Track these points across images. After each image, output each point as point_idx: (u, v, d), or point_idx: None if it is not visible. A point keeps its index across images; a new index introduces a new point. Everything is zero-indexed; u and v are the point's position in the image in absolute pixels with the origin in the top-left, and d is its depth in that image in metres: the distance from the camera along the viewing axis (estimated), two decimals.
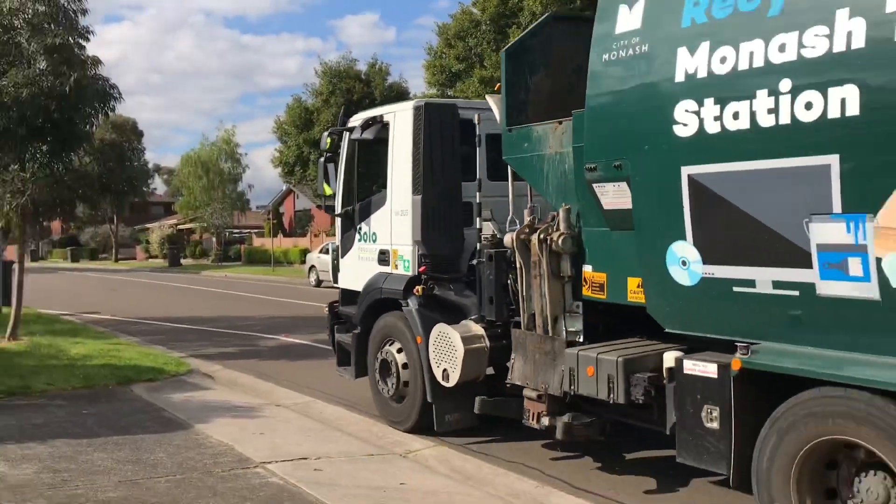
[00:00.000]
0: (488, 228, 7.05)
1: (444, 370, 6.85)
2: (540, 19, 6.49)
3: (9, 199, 11.87)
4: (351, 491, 5.67)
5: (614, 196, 5.27)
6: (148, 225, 70.58)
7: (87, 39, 12.07)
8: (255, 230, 58.21)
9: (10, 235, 19.61)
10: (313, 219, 56.74)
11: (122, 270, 47.73)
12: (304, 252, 41.55)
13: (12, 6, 11.63)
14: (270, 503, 5.33)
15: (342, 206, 8.64)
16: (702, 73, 4.55)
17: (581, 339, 5.83)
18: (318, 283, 29.71)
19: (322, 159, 8.81)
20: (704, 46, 4.54)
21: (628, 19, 5.02)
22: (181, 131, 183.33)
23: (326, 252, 29.82)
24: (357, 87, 36.97)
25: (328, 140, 8.65)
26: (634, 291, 5.30)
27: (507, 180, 6.85)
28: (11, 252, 21.42)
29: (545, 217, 6.25)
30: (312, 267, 30.43)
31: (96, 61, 12.21)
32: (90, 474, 5.89)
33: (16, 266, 15.01)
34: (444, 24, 27.99)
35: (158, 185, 75.86)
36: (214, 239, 54.82)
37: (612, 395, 5.31)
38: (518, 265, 6.24)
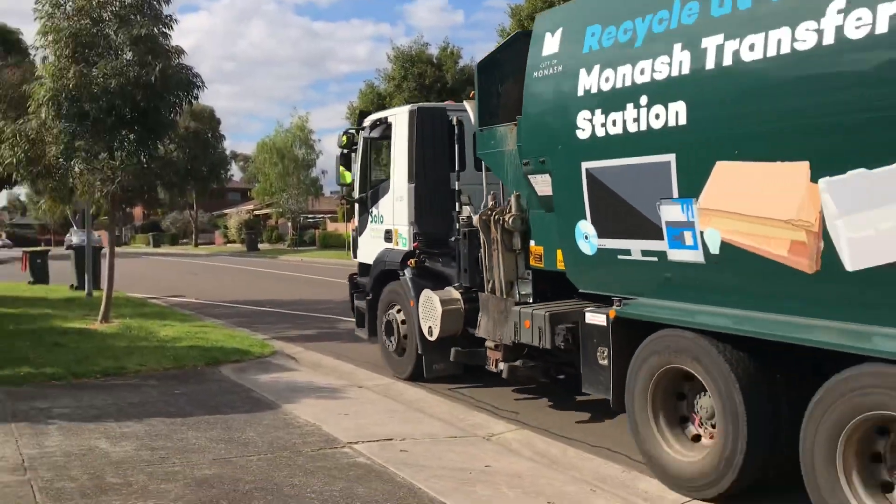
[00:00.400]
0: (466, 211, 8.28)
1: (429, 327, 8.36)
2: (509, 37, 7.68)
3: (99, 187, 12.27)
4: (437, 472, 5.71)
5: (542, 185, 6.59)
6: (226, 211, 72.38)
7: (171, 28, 12.36)
8: (329, 215, 59.06)
9: (95, 221, 20.39)
10: None
11: (202, 255, 49.06)
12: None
13: None
14: (360, 482, 5.41)
15: (358, 193, 10.17)
16: (594, 90, 5.82)
17: (531, 301, 7.21)
18: None
19: (339, 154, 10.43)
20: (596, 69, 5.81)
21: (550, 44, 6.30)
22: (255, 118, 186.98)
23: None
24: (429, 72, 36.94)
25: (344, 138, 10.22)
26: (560, 261, 6.62)
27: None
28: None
29: (504, 202, 7.56)
30: None
31: (179, 51, 12.51)
32: (185, 452, 6.08)
33: (105, 251, 15.60)
34: (516, 6, 27.73)
35: (235, 172, 77.58)
36: (290, 224, 55.82)
37: (541, 342, 6.78)
38: (482, 241, 7.63)
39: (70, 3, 11.94)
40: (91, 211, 16.42)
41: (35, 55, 13.16)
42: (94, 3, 11.88)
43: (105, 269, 13.79)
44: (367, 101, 38.91)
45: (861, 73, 4.22)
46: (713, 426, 5.27)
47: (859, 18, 4.17)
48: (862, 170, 4.21)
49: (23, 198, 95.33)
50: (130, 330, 12.22)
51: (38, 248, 26.24)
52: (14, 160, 12.27)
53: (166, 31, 12.27)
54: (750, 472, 4.99)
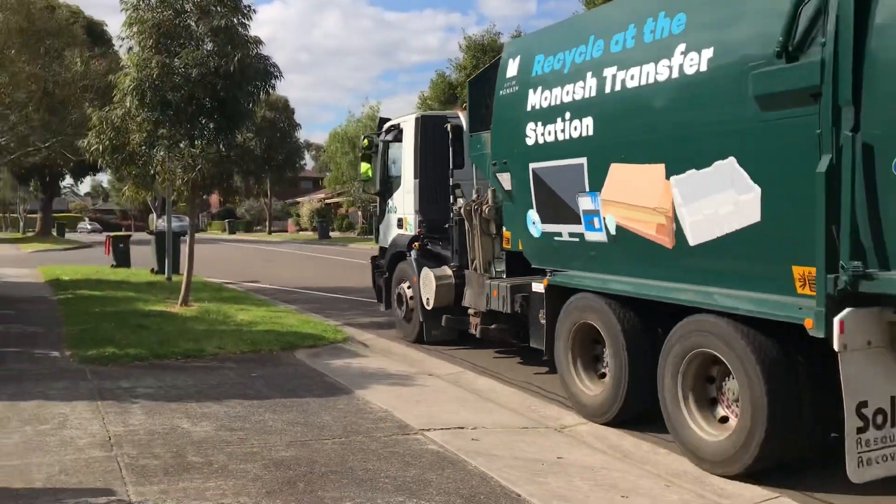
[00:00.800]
0: (459, 203, 9.76)
1: (427, 298, 10.21)
2: (495, 59, 8.67)
3: (180, 174, 12.61)
4: (509, 462, 5.72)
5: (506, 182, 8.14)
6: (298, 199, 73.63)
7: (250, 19, 12.60)
8: None
9: (174, 208, 20.96)
10: None
11: (276, 242, 50.06)
12: None
13: None
14: (432, 469, 5.45)
15: (378, 188, 12.17)
16: (537, 106, 7.40)
17: (504, 276, 8.92)
18: None
19: (361, 154, 13.01)
20: (539, 89, 7.38)
21: (512, 68, 7.92)
22: (327, 108, 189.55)
23: None
24: None
25: (365, 141, 12.73)
26: (520, 243, 8.25)
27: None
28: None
29: (484, 196, 9.20)
30: None
31: (258, 41, 12.73)
32: (263, 434, 6.23)
33: (185, 237, 16.05)
34: None
35: (307, 161, 78.77)
36: (360, 213, 56.43)
37: (504, 308, 8.60)
38: (467, 227, 9.40)
39: None
40: (171, 198, 16.89)
41: (121, 46, 13.56)
42: None
43: (184, 254, 14.18)
44: (439, 90, 39.02)
45: (691, 98, 5.80)
46: (606, 366, 6.99)
47: (692, 59, 5.73)
48: (693, 170, 5.76)
49: (105, 184, 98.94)
50: (209, 314, 12.56)
51: (121, 233, 27.14)
52: (100, 147, 12.68)
53: (245, 21, 12.52)
54: (633, 398, 6.63)
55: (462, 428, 6.55)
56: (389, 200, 11.82)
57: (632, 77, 6.27)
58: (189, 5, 12.29)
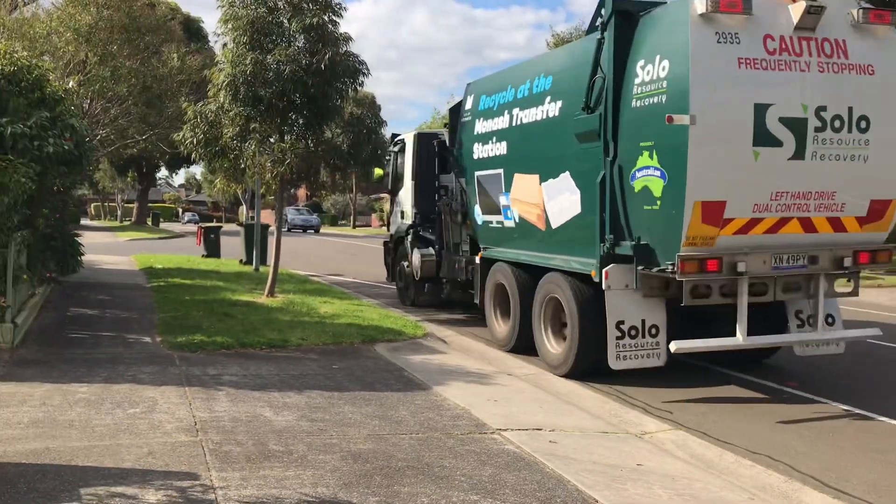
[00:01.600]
0: (442, 199, 12.88)
1: (416, 271, 13.50)
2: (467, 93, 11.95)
3: (269, 168, 12.90)
4: (587, 466, 5.63)
5: (465, 185, 11.56)
6: (382, 194, 74.26)
7: (340, 16, 12.79)
8: None
9: (262, 201, 21.48)
10: None
11: (360, 236, 50.75)
12: None
13: None
14: (509, 470, 5.42)
15: (389, 187, 15.35)
16: (480, 132, 10.86)
17: (468, 255, 11.97)
18: None
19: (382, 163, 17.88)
20: (481, 120, 10.85)
21: (469, 102, 11.44)
22: (413, 105, 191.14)
23: None
24: None
25: (379, 171, 17.96)
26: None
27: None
28: (265, 216, 23.35)
29: (456, 194, 12.26)
30: None
31: (347, 38, 12.91)
32: (342, 425, 6.31)
33: (272, 229, 16.42)
34: None
35: None
36: None
37: (463, 276, 12.10)
38: (444, 218, 12.62)
39: None
40: (261, 190, 17.31)
41: (216, 42, 13.96)
42: None
43: (271, 246, 14.50)
44: None
45: (551, 132, 9.13)
46: (510, 311, 10.21)
47: (552, 107, 9.11)
48: (552, 179, 9.06)
49: (198, 176, 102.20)
50: (293, 305, 12.81)
51: (211, 224, 27.97)
52: (194, 140, 13.08)
53: (336, 19, 12.72)
54: (523, 331, 9.84)
55: (540, 429, 6.49)
56: (397, 197, 14.94)
57: (525, 115, 9.70)
58: (282, 3, 12.55)
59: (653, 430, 6.75)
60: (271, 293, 13.61)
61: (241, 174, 13.91)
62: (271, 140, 12.87)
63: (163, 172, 75.73)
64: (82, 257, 15.49)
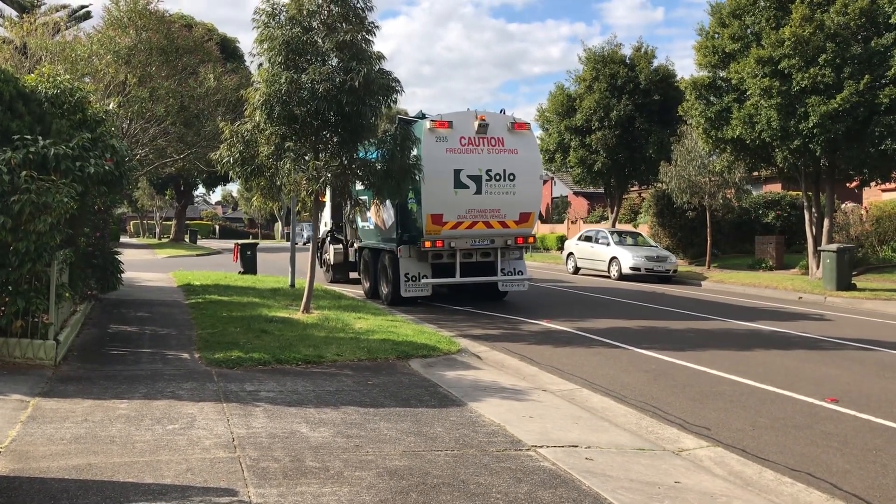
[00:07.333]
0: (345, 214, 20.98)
1: (330, 260, 22.52)
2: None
3: (305, 185, 13.04)
4: (624, 484, 5.59)
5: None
6: None
7: (374, 35, 12.93)
8: None
9: (298, 217, 21.76)
10: (570, 205, 56.67)
11: None
12: (562, 239, 41.59)
13: (311, 8, 12.76)
14: (545, 487, 5.40)
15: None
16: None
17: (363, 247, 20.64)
18: (576, 269, 29.64)
19: None
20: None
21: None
22: None
23: (586, 239, 29.73)
24: (621, 72, 36.11)
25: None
26: None
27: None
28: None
29: (354, 207, 17.09)
30: (570, 254, 30.42)
31: (380, 56, 13.05)
32: (378, 442, 6.33)
33: (308, 244, 16.55)
34: (717, 3, 26.48)
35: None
36: None
37: (355, 259, 21.30)
38: (344, 226, 22.38)
39: (283, 13, 12.80)
40: (296, 208, 17.52)
41: (251, 62, 14.17)
42: (304, 12, 12.66)
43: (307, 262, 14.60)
44: (557, 102, 38.61)
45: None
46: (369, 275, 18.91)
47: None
48: (385, 203, 17.65)
49: (235, 193, 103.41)
50: (328, 321, 12.90)
51: (248, 241, 28.28)
52: (230, 159, 13.28)
53: (369, 37, 12.85)
54: (374, 285, 18.37)
55: (576, 446, 6.46)
56: (321, 213, 20.26)
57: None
58: (316, 23, 12.73)
59: (690, 447, 6.69)
60: (307, 309, 13.72)
61: (276, 192, 14.09)
62: (306, 158, 13.02)
63: (200, 190, 76.84)
64: (122, 275, 15.77)
